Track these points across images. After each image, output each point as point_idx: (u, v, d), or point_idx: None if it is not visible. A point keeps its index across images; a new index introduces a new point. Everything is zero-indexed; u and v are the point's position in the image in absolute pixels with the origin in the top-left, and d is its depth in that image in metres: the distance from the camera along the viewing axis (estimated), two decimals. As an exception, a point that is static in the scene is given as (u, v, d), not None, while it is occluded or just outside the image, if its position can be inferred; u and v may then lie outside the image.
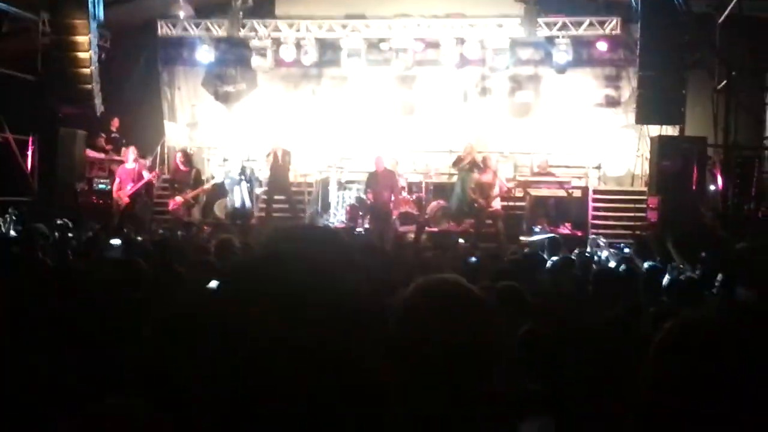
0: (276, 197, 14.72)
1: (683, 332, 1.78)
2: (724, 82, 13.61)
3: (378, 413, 1.70)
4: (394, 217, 13.96)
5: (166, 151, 17.08)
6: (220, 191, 14.72)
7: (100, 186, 14.60)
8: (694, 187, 13.20)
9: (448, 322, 1.94)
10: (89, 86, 13.69)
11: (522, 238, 13.13)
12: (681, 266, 7.71)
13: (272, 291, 1.64)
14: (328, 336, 1.57)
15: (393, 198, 13.85)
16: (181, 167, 13.90)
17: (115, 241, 7.87)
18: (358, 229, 13.21)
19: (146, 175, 13.68)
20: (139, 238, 8.76)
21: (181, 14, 16.44)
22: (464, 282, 2.07)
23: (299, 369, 1.47)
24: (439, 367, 1.93)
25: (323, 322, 1.61)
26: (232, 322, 1.68)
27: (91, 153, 15.11)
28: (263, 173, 15.17)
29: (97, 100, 13.84)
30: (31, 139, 14.20)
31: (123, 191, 13.39)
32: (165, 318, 4.14)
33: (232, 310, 1.68)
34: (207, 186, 14.13)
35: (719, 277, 5.96)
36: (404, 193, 14.79)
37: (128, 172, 13.53)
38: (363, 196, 14.55)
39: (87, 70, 13.66)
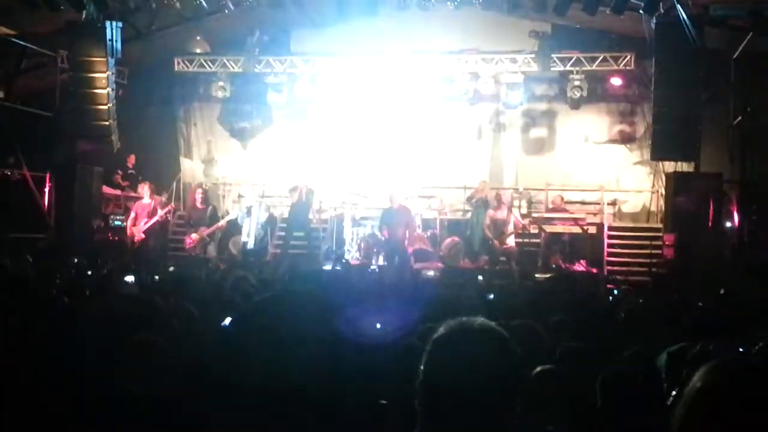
0: (295, 233, 14.78)
1: (725, 377, 1.76)
2: (739, 118, 13.59)
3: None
4: (409, 253, 13.94)
5: (181, 187, 17.16)
6: (234, 228, 14.74)
7: (116, 223, 14.65)
8: (710, 224, 13.12)
9: (477, 361, 2.07)
10: (106, 123, 13.81)
11: (537, 275, 13.05)
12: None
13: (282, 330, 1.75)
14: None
15: (408, 234, 13.83)
16: (198, 205, 13.97)
17: (129, 278, 7.88)
18: (372, 266, 13.17)
19: (160, 211, 13.74)
20: (156, 277, 8.76)
21: (198, 51, 16.58)
22: (492, 324, 2.19)
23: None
24: (467, 400, 2.04)
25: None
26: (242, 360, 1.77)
27: (107, 189, 15.20)
28: (278, 209, 15.21)
29: (114, 137, 13.95)
30: (48, 175, 14.29)
31: (137, 227, 13.44)
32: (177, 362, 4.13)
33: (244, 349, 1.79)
34: (221, 223, 14.17)
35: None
36: (419, 230, 14.78)
37: (143, 207, 13.59)
38: (377, 232, 14.54)
39: (104, 107, 13.78)
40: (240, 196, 15.57)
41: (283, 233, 15.04)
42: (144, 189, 13.89)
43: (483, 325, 2.18)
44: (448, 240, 15.07)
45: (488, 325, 2.19)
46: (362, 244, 14.90)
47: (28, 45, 14.13)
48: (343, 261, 13.35)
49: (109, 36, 13.69)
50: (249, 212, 14.19)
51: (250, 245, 13.94)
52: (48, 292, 6.95)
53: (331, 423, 1.74)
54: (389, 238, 13.80)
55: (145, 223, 13.50)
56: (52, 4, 12.99)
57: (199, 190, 14.41)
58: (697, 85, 13.27)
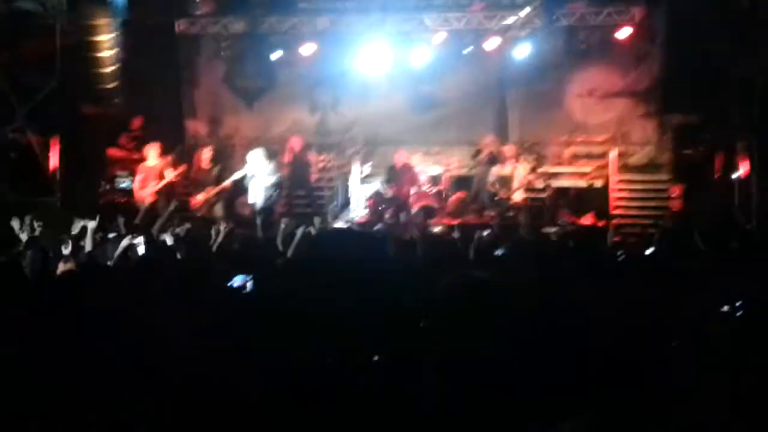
0: (297, 193, 14.83)
1: None
2: (753, 72, 13.47)
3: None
4: (416, 210, 13.99)
5: (186, 148, 17.15)
6: (241, 188, 14.78)
7: (123, 185, 14.69)
8: (716, 176, 13.11)
9: (479, 313, 2.26)
10: (110, 86, 13.80)
11: (544, 229, 13.08)
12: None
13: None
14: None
15: (413, 191, 13.86)
16: (204, 165, 13.96)
17: (139, 240, 7.93)
18: (378, 225, 13.20)
19: (170, 174, 13.76)
20: (163, 236, 8.80)
21: (201, 11, 16.47)
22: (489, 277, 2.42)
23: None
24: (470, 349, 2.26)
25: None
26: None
27: (113, 152, 15.21)
28: (281, 169, 15.23)
29: (119, 100, 13.94)
30: (52, 139, 14.31)
31: (146, 189, 13.47)
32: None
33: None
34: (226, 183, 14.19)
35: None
36: (425, 187, 14.80)
37: (150, 169, 13.61)
38: (384, 190, 14.58)
39: (108, 70, 13.77)
40: (245, 157, 15.51)
41: (286, 191, 15.07)
42: (151, 150, 13.91)
43: (479, 278, 2.28)
44: (455, 196, 15.09)
45: (485, 277, 2.30)
46: (369, 202, 14.95)
47: (29, 9, 14.05)
48: (348, 219, 13.42)
49: (111, -2, 13.64)
50: (254, 173, 14.22)
51: (258, 206, 14.00)
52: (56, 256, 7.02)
53: None
54: (396, 195, 13.84)
55: (155, 185, 13.53)
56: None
57: (206, 150, 14.43)
58: (705, 36, 13.15)
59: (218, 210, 14.20)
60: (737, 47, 13.88)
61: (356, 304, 2.06)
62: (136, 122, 15.82)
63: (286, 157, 14.97)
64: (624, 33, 15.53)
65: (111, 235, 8.71)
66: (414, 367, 2.45)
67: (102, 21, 13.65)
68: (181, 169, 14.22)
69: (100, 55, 13.75)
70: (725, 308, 4.10)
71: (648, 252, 7.35)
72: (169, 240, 8.53)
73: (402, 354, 2.62)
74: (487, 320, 2.21)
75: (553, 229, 12.63)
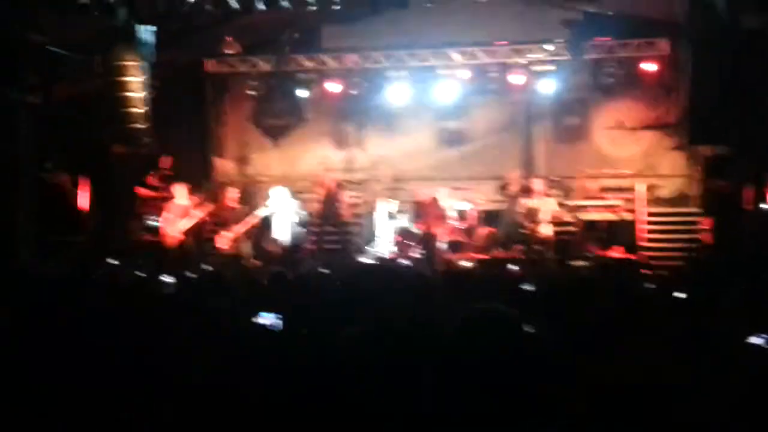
0: (327, 229, 14.91)
1: None
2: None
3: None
4: (443, 245, 13.98)
5: (214, 186, 17.29)
6: (269, 226, 14.86)
7: (152, 224, 14.82)
8: (747, 208, 12.98)
9: (491, 344, 2.21)
10: (141, 126, 13.95)
11: (572, 263, 13.00)
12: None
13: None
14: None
15: (441, 227, 13.87)
16: (230, 203, 14.07)
17: (168, 279, 7.97)
18: (406, 261, 13.18)
19: (198, 213, 13.87)
20: (190, 275, 8.84)
21: (229, 51, 16.68)
22: (506, 310, 2.35)
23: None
24: (482, 375, 2.18)
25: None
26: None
27: (142, 191, 15.37)
28: (313, 206, 15.33)
29: (148, 140, 14.10)
30: (82, 179, 14.49)
31: (174, 228, 13.57)
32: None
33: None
34: (254, 221, 14.27)
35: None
36: (453, 222, 14.79)
37: (179, 208, 13.73)
38: (411, 226, 14.59)
39: (139, 110, 13.92)
40: (269, 194, 15.58)
41: (316, 229, 15.15)
42: (179, 190, 14.04)
43: (498, 311, 2.27)
44: (483, 230, 15.05)
45: (504, 310, 2.29)
46: (396, 238, 14.96)
47: (63, 51, 14.32)
48: (377, 255, 13.41)
49: (141, 40, 13.84)
50: (281, 213, 14.30)
51: (285, 242, 14.05)
52: (86, 293, 7.05)
53: None
54: (425, 230, 13.86)
55: (184, 225, 13.64)
56: (84, 11, 13.15)
57: (232, 189, 14.56)
58: (732, 67, 13.09)
59: (245, 248, 14.26)
60: (764, 77, 13.80)
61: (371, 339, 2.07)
62: (165, 161, 15.96)
63: (320, 194, 15.10)
64: (650, 66, 15.52)
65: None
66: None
67: (132, 62, 13.84)
68: (209, 208, 14.32)
69: (130, 95, 13.93)
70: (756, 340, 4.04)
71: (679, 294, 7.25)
72: (197, 278, 8.56)
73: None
74: (498, 355, 2.20)
75: (581, 263, 12.55)
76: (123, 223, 14.55)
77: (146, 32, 13.98)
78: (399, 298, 4.34)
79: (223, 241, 14.08)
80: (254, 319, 5.26)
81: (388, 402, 2.34)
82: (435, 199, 14.38)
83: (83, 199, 14.48)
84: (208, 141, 17.91)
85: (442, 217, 14.33)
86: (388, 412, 2.31)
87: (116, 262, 10.63)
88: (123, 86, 13.99)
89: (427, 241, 14.12)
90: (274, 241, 14.67)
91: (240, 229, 13.94)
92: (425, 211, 14.38)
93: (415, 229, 14.40)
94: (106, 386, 3.87)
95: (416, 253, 14.20)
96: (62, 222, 13.85)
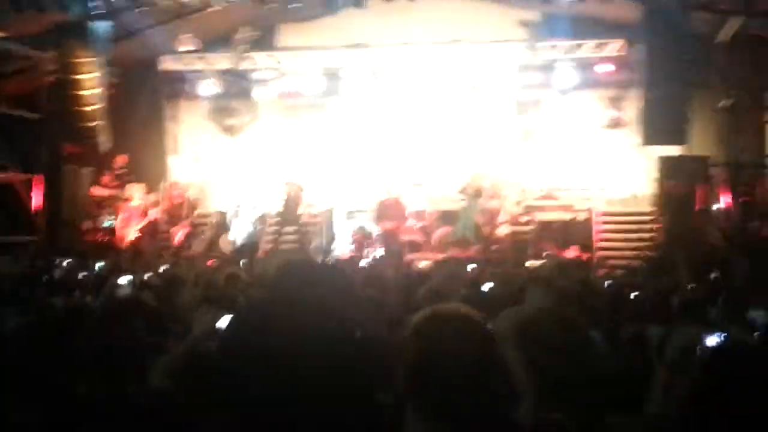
0: (286, 229, 14.85)
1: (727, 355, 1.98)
2: (726, 101, 13.62)
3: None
4: (398, 244, 14.01)
5: (170, 186, 17.12)
6: (223, 226, 14.76)
7: (107, 224, 14.65)
8: (698, 207, 13.20)
9: (450, 347, 2.08)
10: (94, 124, 13.74)
11: (528, 263, 13.09)
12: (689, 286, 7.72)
13: (282, 331, 1.75)
14: (332, 368, 1.68)
15: (401, 226, 13.90)
16: (185, 201, 13.97)
17: (123, 279, 7.87)
18: (363, 261, 13.18)
19: (152, 213, 13.75)
20: (147, 275, 8.74)
21: (184, 49, 16.48)
22: (467, 310, 2.24)
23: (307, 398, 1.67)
24: (444, 387, 2.06)
25: (327, 356, 1.73)
26: (244, 361, 1.78)
27: (96, 191, 15.16)
28: (268, 207, 15.26)
29: (102, 138, 13.89)
30: (35, 178, 14.25)
31: (129, 228, 13.42)
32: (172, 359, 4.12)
33: (245, 350, 1.79)
34: (208, 218, 14.22)
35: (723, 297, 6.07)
36: (410, 221, 14.81)
37: (134, 209, 13.58)
38: (367, 226, 14.59)
39: (92, 108, 13.70)
40: (228, 193, 15.52)
41: (274, 228, 15.08)
42: (135, 190, 13.88)
43: (458, 313, 2.22)
44: (440, 231, 15.09)
45: (463, 310, 2.23)
46: (355, 238, 14.95)
47: (14, 46, 14.05)
48: (333, 255, 13.39)
49: (95, 36, 13.63)
50: (237, 212, 14.21)
51: (240, 242, 13.97)
52: (38, 294, 6.95)
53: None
54: (385, 230, 13.87)
55: (138, 225, 13.50)
56: (37, 5, 12.91)
57: (191, 186, 14.49)
58: (685, 69, 13.30)
59: (196, 246, 14.13)
60: (715, 79, 14.06)
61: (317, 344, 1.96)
62: (120, 160, 15.78)
63: (283, 195, 15.01)
64: (605, 67, 15.69)
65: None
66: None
67: (85, 59, 13.63)
68: (164, 207, 14.16)
69: (83, 93, 13.71)
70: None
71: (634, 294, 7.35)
72: (151, 279, 8.47)
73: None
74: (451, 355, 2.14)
75: (538, 263, 12.63)
76: (77, 223, 14.32)
77: (101, 28, 13.78)
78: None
79: (176, 237, 13.98)
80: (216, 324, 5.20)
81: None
82: (397, 199, 14.41)
83: (36, 199, 14.24)
84: (164, 139, 17.71)
85: (403, 216, 14.34)
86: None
87: (69, 262, 10.46)
88: (76, 83, 13.77)
89: (388, 240, 14.13)
90: (229, 241, 14.56)
91: (189, 224, 13.87)
92: (388, 210, 14.38)
93: (377, 227, 14.40)
94: (59, 386, 3.80)
95: (375, 252, 14.20)
96: (14, 222, 13.62)
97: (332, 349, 1.80)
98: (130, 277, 8.01)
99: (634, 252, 14.16)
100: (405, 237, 14.38)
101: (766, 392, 2.13)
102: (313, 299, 1.91)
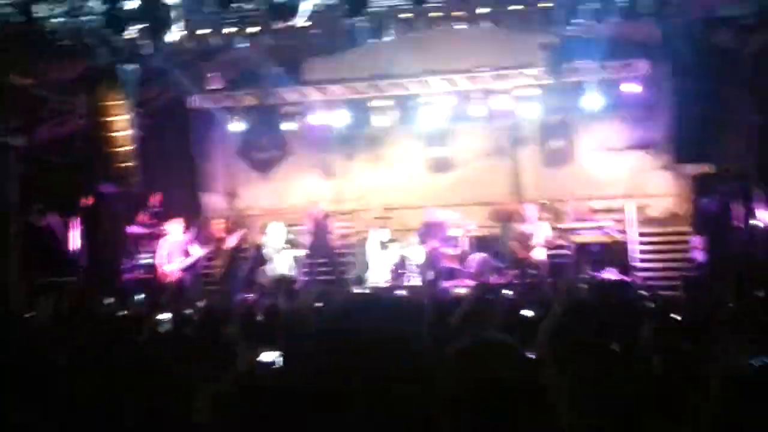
0: (319, 261, 14.90)
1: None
2: (756, 116, 13.52)
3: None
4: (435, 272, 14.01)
5: (204, 221, 17.25)
6: (262, 258, 14.83)
7: (144, 261, 14.77)
8: (736, 225, 13.07)
9: (490, 375, 2.13)
10: (128, 165, 13.94)
11: (568, 286, 13.00)
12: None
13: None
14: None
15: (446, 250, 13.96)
16: (223, 235, 14.09)
17: (165, 316, 7.91)
18: (400, 291, 13.16)
19: (197, 251, 13.87)
20: (188, 311, 8.78)
21: (211, 87, 16.67)
22: (504, 338, 2.32)
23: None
24: (482, 410, 2.09)
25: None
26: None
27: (133, 229, 15.31)
28: (304, 238, 15.35)
29: (136, 177, 14.08)
30: (72, 220, 14.43)
31: (172, 265, 13.52)
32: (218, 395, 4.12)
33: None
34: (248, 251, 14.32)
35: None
36: (445, 248, 14.79)
37: (175, 245, 13.69)
38: (404, 253, 14.54)
39: (125, 149, 13.93)
40: (264, 226, 15.58)
41: (308, 261, 15.13)
42: (174, 226, 13.99)
43: (495, 340, 2.24)
44: (476, 256, 15.05)
45: (501, 338, 2.25)
46: (392, 267, 14.93)
47: (47, 93, 14.30)
48: (369, 285, 13.39)
49: (124, 79, 13.87)
50: (273, 245, 14.27)
51: (279, 274, 14.04)
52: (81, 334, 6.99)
53: None
54: (431, 251, 13.86)
55: (183, 263, 13.61)
56: (65, 52, 13.15)
57: (223, 221, 14.59)
58: (712, 86, 13.24)
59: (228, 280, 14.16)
60: (744, 94, 13.95)
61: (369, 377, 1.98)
62: (154, 199, 15.94)
63: (308, 226, 15.12)
64: (631, 87, 15.61)
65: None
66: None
67: (117, 101, 13.87)
68: (207, 249, 14.20)
69: (116, 134, 13.93)
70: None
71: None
72: (193, 315, 8.50)
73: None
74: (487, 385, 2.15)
75: (578, 286, 12.56)
76: (115, 262, 14.47)
77: (129, 71, 14.01)
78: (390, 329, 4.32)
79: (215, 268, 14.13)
80: (258, 358, 5.20)
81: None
82: (440, 221, 14.39)
83: (74, 240, 14.40)
84: (196, 176, 17.89)
85: (447, 239, 14.30)
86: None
87: (111, 301, 10.55)
88: (108, 126, 14.00)
89: (432, 261, 14.08)
90: (268, 273, 14.62)
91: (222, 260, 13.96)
92: (431, 232, 14.32)
93: (421, 248, 14.38)
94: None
95: (413, 281, 14.19)
96: (53, 263, 13.77)
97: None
98: (170, 314, 8.05)
99: (674, 272, 14.02)
100: (442, 263, 14.36)
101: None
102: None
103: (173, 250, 13.69)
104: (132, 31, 12.56)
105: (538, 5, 12.86)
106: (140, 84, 14.33)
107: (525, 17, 14.26)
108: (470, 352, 2.26)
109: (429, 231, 14.09)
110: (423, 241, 14.21)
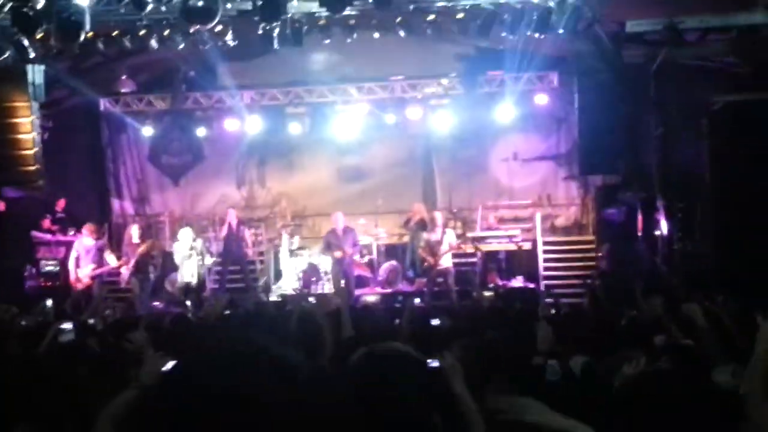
0: (230, 268, 14.75)
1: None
2: (661, 129, 13.97)
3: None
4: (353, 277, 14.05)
5: (113, 226, 16.92)
6: (171, 266, 14.60)
7: (48, 268, 14.39)
8: (639, 234, 13.46)
9: (389, 385, 2.13)
10: (32, 168, 13.55)
11: (475, 294, 13.18)
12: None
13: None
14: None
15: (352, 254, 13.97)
16: (135, 241, 13.84)
17: (67, 325, 7.71)
18: (311, 297, 13.14)
19: (113, 261, 13.56)
20: (91, 321, 8.59)
21: (123, 90, 16.35)
22: (402, 348, 2.34)
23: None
24: (382, 421, 2.09)
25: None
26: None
27: (37, 235, 14.89)
28: (214, 246, 15.18)
29: (41, 182, 13.69)
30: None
31: (82, 269, 13.18)
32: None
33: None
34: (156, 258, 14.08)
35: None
36: (357, 256, 14.82)
37: (87, 248, 13.35)
38: (325, 255, 14.48)
39: (30, 152, 13.52)
40: (174, 234, 15.38)
41: (219, 268, 14.96)
42: (86, 230, 13.64)
43: (394, 350, 2.25)
44: (386, 264, 15.14)
45: (400, 349, 2.27)
46: (302, 274, 14.91)
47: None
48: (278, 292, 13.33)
49: (31, 80, 13.49)
50: (182, 252, 14.07)
51: (187, 282, 13.85)
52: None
53: None
54: (341, 258, 13.83)
55: (93, 269, 13.27)
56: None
57: (135, 227, 14.30)
58: (618, 99, 13.63)
59: (135, 284, 13.86)
60: (649, 107, 14.40)
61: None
62: (60, 204, 15.54)
63: (222, 232, 14.95)
64: (542, 98, 15.95)
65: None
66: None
67: (22, 103, 13.47)
68: (123, 261, 13.85)
69: (21, 137, 13.53)
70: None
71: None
72: (98, 324, 8.32)
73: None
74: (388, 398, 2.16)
75: (486, 294, 12.73)
76: (17, 268, 14.05)
77: (36, 72, 13.63)
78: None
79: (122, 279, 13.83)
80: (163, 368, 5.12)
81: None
82: (347, 227, 14.40)
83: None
84: (106, 181, 17.54)
85: (354, 245, 14.29)
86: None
87: (10, 308, 10.22)
88: (12, 127, 13.58)
89: (345, 269, 14.03)
90: (177, 281, 14.39)
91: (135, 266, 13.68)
92: (340, 238, 14.30)
93: (329, 256, 14.32)
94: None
95: (321, 288, 14.19)
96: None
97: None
98: (72, 323, 7.85)
99: (578, 280, 14.34)
100: (353, 270, 14.36)
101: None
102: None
103: (84, 256, 13.36)
104: (41, 31, 12.20)
105: (455, 16, 12.98)
106: (48, 85, 13.95)
107: (441, 28, 14.43)
108: (367, 364, 2.27)
109: (338, 238, 14.08)
110: (332, 249, 14.19)
